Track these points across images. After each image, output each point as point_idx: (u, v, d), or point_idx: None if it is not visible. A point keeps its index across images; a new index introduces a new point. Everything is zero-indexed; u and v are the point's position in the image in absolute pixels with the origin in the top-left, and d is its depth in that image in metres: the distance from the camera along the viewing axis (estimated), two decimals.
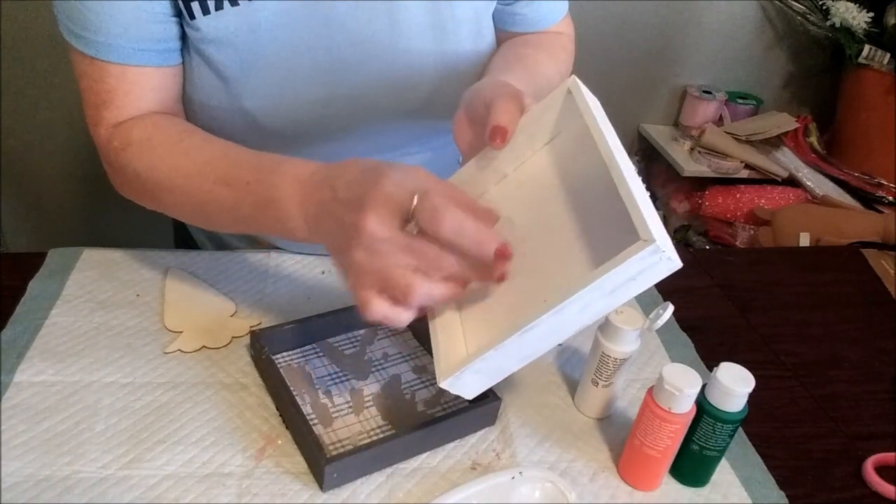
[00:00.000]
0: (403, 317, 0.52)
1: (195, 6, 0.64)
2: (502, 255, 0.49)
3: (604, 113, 0.58)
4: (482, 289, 0.59)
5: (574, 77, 0.59)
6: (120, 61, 0.64)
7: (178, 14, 0.65)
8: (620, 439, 0.63)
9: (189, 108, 0.72)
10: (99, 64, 0.65)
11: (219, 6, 0.64)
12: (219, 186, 0.60)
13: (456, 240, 0.49)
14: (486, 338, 0.54)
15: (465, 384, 0.53)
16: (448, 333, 0.57)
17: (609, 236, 0.51)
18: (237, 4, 0.64)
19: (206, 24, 0.65)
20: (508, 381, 0.69)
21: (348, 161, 0.54)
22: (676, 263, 0.45)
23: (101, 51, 0.64)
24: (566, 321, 0.49)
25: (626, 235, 0.45)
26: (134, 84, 0.66)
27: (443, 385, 0.52)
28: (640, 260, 0.44)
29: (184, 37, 0.68)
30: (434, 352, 0.55)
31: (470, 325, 0.58)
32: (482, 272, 0.52)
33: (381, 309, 0.51)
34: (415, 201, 0.49)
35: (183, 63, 0.70)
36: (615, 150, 0.51)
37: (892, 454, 0.67)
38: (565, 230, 0.56)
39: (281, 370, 0.65)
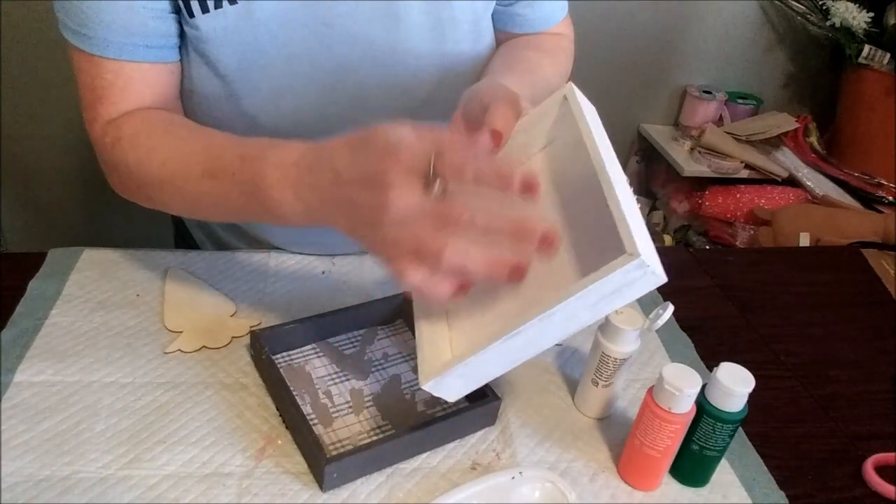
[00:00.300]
0: (440, 288, 0.49)
1: (194, 4, 0.64)
2: (530, 186, 0.48)
3: (599, 120, 0.58)
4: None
5: (571, 84, 0.59)
6: (117, 57, 0.64)
7: (177, 11, 0.65)
8: (620, 439, 0.63)
9: (188, 105, 0.72)
10: (96, 60, 0.65)
11: (218, 5, 0.64)
12: (205, 179, 0.60)
13: (481, 180, 0.47)
14: (471, 341, 0.54)
15: (447, 387, 0.54)
16: (433, 335, 0.57)
17: (597, 246, 0.51)
18: (236, 3, 0.64)
19: (205, 23, 0.65)
20: (508, 382, 0.69)
21: (335, 140, 0.52)
22: (661, 278, 0.46)
23: (99, 47, 0.64)
24: (550, 330, 0.49)
25: (613, 247, 0.46)
26: (130, 80, 0.66)
27: (425, 387, 0.52)
28: (624, 273, 0.45)
29: (182, 34, 0.68)
30: (418, 353, 0.55)
31: (456, 328, 0.58)
32: (519, 243, 0.50)
33: (415, 276, 0.49)
34: (432, 162, 0.47)
35: (181, 61, 0.70)
36: (607, 161, 0.51)
37: (892, 454, 0.67)
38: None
39: (281, 370, 0.65)
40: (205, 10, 0.64)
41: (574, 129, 0.56)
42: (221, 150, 0.60)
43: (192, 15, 0.64)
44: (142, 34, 0.64)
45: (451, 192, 0.49)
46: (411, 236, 0.48)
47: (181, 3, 0.64)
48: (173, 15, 0.65)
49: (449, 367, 0.51)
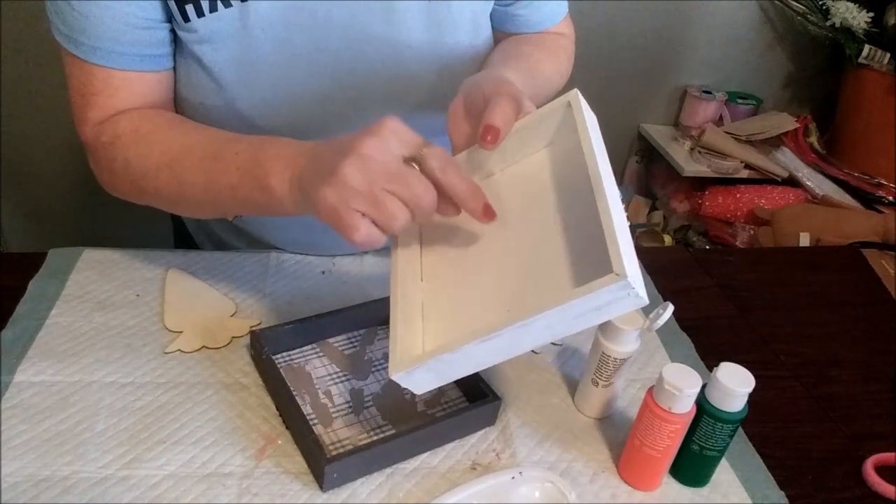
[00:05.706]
0: (381, 240, 0.53)
1: (189, 9, 0.64)
2: (488, 214, 0.54)
3: (599, 131, 0.58)
4: (449, 281, 0.59)
5: (576, 90, 0.58)
6: (105, 65, 0.65)
7: (169, 20, 0.65)
8: (620, 439, 0.63)
9: (184, 109, 0.72)
10: (86, 66, 0.65)
11: (213, 8, 0.64)
12: (206, 161, 0.62)
13: (458, 186, 0.53)
14: (446, 335, 0.54)
15: (416, 380, 0.53)
16: (408, 325, 0.56)
17: (582, 258, 0.52)
18: (230, 6, 0.64)
19: (201, 26, 0.65)
20: (508, 381, 0.69)
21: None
22: (643, 301, 0.47)
23: (88, 53, 0.64)
24: (526, 336, 0.49)
25: (599, 263, 0.46)
26: (118, 88, 0.67)
27: (394, 377, 0.52)
28: (608, 292, 0.45)
29: (176, 40, 0.68)
30: (391, 341, 0.54)
31: (431, 319, 0.58)
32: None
33: (367, 231, 0.51)
34: (423, 149, 0.52)
35: (175, 66, 0.70)
36: (604, 175, 0.52)
37: (892, 454, 0.67)
38: (539, 241, 0.56)
39: (281, 370, 0.65)
40: (200, 14, 0.64)
41: (574, 138, 0.56)
42: (227, 137, 0.63)
43: (187, 20, 0.64)
44: (131, 43, 0.64)
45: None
46: (370, 188, 0.50)
47: (175, 9, 0.64)
48: (165, 24, 0.66)
49: (420, 362, 0.51)
